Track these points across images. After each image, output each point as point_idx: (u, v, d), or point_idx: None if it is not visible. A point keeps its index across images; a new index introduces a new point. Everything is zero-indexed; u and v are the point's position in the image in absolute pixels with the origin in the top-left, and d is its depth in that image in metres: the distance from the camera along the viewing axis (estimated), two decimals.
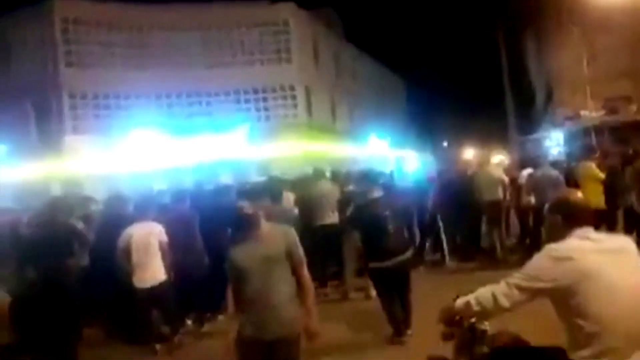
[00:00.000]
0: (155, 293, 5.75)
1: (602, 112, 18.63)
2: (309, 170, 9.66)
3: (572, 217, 2.55)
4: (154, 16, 20.60)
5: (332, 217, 7.91)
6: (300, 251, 3.45)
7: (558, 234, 2.54)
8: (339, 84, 27.02)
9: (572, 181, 8.21)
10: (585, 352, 2.31)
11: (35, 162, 15.74)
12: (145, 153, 16.03)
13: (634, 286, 2.37)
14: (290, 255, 3.38)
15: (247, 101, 21.83)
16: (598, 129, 16.89)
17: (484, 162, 10.16)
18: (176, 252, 5.94)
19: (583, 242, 2.44)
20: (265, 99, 21.94)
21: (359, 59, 30.42)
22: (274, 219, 5.65)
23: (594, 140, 16.37)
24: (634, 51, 17.40)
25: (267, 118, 21.82)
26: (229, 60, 21.65)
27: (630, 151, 10.20)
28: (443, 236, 9.08)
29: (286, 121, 21.55)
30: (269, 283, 3.27)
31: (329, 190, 8.21)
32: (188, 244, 6.32)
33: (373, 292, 7.09)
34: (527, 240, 9.09)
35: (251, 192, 3.60)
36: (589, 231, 2.50)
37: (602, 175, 8.25)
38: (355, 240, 6.87)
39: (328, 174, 9.34)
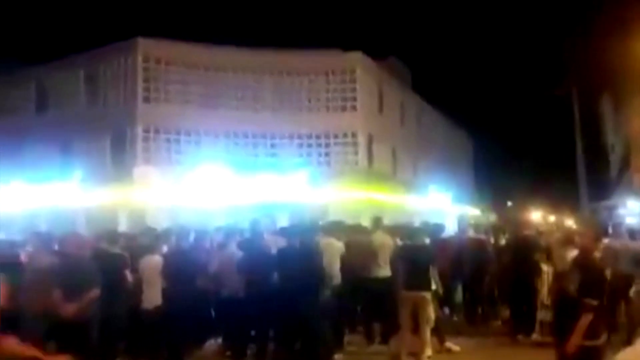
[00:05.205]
0: None
1: None
2: (364, 218, 9.31)
3: None
4: (228, 58, 21.51)
5: (384, 270, 7.62)
6: None
7: None
8: (402, 134, 26.96)
9: None
10: None
11: (106, 190, 16.47)
12: (210, 188, 16.45)
13: None
14: None
15: (309, 145, 22.10)
16: None
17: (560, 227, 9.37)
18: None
19: None
20: (327, 145, 22.15)
21: (425, 110, 30.34)
22: None
23: None
24: None
25: (328, 163, 21.94)
26: (295, 105, 22.16)
27: None
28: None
29: (347, 167, 21.59)
30: None
31: (384, 241, 7.89)
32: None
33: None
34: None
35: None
36: None
37: None
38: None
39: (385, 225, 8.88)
